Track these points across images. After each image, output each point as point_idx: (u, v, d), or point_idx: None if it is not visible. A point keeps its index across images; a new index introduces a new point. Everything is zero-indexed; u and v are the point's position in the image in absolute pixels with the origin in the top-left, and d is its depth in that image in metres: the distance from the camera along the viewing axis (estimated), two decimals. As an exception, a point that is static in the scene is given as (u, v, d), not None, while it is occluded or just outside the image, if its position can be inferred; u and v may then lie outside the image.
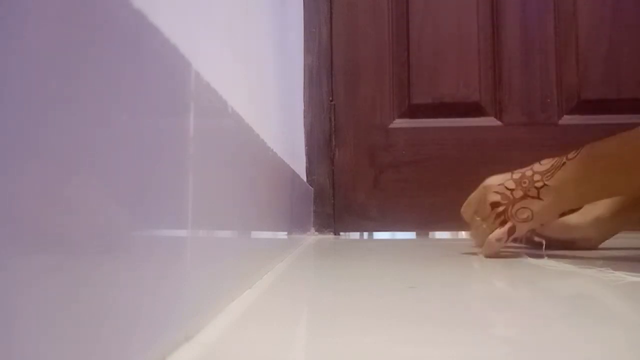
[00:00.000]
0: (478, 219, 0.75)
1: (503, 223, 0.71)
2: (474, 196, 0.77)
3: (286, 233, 0.72)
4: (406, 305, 0.38)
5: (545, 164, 0.70)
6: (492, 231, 0.71)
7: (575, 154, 0.68)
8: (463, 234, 1.32)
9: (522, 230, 0.71)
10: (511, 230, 0.70)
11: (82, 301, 0.17)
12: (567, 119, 1.22)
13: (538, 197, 0.69)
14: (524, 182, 0.71)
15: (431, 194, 1.22)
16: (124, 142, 0.20)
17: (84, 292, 0.17)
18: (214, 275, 0.33)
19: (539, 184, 0.70)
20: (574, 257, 0.69)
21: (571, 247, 0.81)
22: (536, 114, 1.23)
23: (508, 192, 0.72)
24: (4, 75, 0.13)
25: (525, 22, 1.24)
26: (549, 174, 0.69)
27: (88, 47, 0.18)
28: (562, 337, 0.29)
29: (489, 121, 1.24)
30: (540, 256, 0.68)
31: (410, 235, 1.27)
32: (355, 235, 1.28)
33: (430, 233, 1.28)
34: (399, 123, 1.25)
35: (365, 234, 1.30)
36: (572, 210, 0.82)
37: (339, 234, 1.25)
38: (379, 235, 1.28)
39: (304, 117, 1.26)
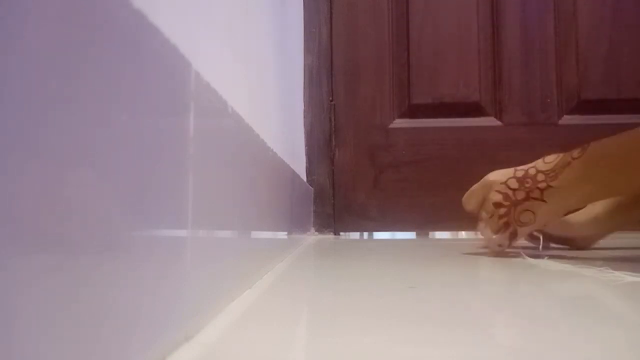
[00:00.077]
0: (484, 213, 0.74)
1: (506, 224, 0.70)
2: (476, 189, 0.75)
3: (286, 233, 0.72)
4: (406, 305, 0.38)
5: (549, 162, 0.68)
6: (495, 229, 0.71)
7: (581, 154, 0.66)
8: (463, 234, 1.32)
9: (524, 233, 0.70)
10: (512, 235, 0.70)
11: (82, 301, 0.17)
12: (567, 119, 1.22)
13: (542, 199, 0.68)
14: (527, 183, 0.69)
15: (431, 194, 1.22)
16: (124, 142, 0.20)
17: (84, 292, 0.17)
18: (214, 275, 0.33)
19: (542, 185, 0.68)
20: (574, 258, 0.69)
21: (568, 243, 0.81)
22: (536, 114, 1.23)
23: (510, 193, 0.70)
24: (4, 75, 0.13)
25: (525, 22, 1.24)
26: (553, 174, 0.67)
27: (88, 47, 0.18)
28: (562, 337, 0.29)
29: (489, 121, 1.24)
30: (541, 256, 0.68)
31: (410, 235, 1.27)
32: (355, 235, 1.28)
33: (430, 233, 1.28)
34: (399, 123, 1.25)
35: (365, 234, 1.30)
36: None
37: (339, 234, 1.25)
38: (379, 235, 1.29)
39: (304, 117, 1.26)
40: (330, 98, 1.27)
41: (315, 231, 1.24)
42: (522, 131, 1.22)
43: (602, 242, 0.84)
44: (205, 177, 0.31)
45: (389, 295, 0.43)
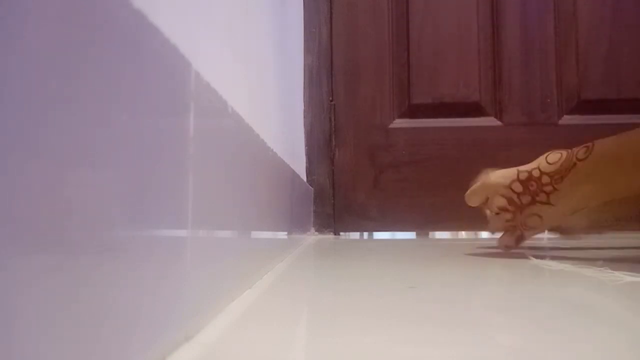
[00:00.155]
0: (488, 212, 0.74)
1: (513, 227, 0.70)
2: (477, 190, 0.73)
3: (286, 233, 0.72)
4: (406, 305, 0.38)
5: (553, 163, 0.67)
6: (501, 230, 0.71)
7: (587, 155, 0.65)
8: (463, 234, 1.32)
9: (531, 236, 0.70)
10: (519, 238, 0.70)
11: (82, 301, 0.17)
12: (567, 119, 1.22)
13: (548, 203, 0.66)
14: (532, 186, 0.67)
15: (431, 194, 1.22)
16: (124, 142, 0.20)
17: (84, 292, 0.17)
18: (214, 275, 0.33)
19: (548, 189, 0.66)
20: (574, 258, 0.69)
21: (556, 232, 0.79)
22: (536, 114, 1.23)
23: (515, 196, 0.68)
24: (4, 75, 0.13)
25: (525, 22, 1.24)
26: (558, 176, 0.66)
27: (88, 47, 0.18)
28: (562, 337, 0.29)
29: (489, 121, 1.24)
30: (541, 256, 0.68)
31: (410, 235, 1.27)
32: (355, 235, 1.28)
33: (430, 233, 1.28)
34: (399, 123, 1.25)
35: (365, 234, 1.30)
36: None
37: (339, 234, 1.25)
38: (379, 235, 1.29)
39: (304, 117, 1.26)
40: (330, 98, 1.27)
41: (315, 231, 1.24)
42: (522, 131, 1.22)
43: (601, 242, 0.83)
44: (205, 177, 0.31)
45: (389, 295, 0.43)
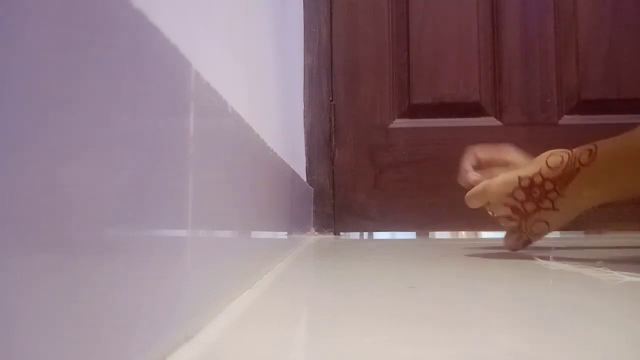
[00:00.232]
0: (491, 213, 0.73)
1: (519, 232, 0.69)
2: (477, 194, 0.71)
3: (286, 233, 0.72)
4: (406, 305, 0.38)
5: (555, 167, 0.65)
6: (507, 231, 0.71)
7: (590, 159, 0.63)
8: (463, 234, 1.32)
9: (538, 239, 0.69)
10: (526, 243, 0.69)
11: (82, 301, 0.17)
12: (567, 119, 1.22)
13: (553, 209, 0.65)
14: (535, 193, 0.66)
15: (431, 194, 1.22)
16: (124, 142, 0.20)
17: (84, 292, 0.17)
18: (214, 275, 0.33)
19: (552, 195, 0.65)
20: (575, 259, 0.69)
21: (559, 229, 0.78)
22: (536, 114, 1.23)
23: (519, 205, 0.67)
24: (4, 75, 0.13)
25: (525, 22, 1.24)
26: (562, 182, 0.64)
27: (88, 47, 0.18)
28: (561, 338, 0.29)
29: (489, 121, 1.24)
30: (542, 257, 0.68)
31: (410, 235, 1.27)
32: (355, 235, 1.28)
33: (430, 233, 1.28)
34: (399, 123, 1.25)
35: (365, 234, 1.30)
36: None
37: (339, 234, 1.25)
38: (379, 235, 1.29)
39: (304, 117, 1.26)
40: (330, 98, 1.27)
41: (315, 231, 1.24)
42: (522, 131, 1.22)
43: (601, 242, 0.83)
44: (205, 177, 0.31)
45: (389, 295, 0.43)
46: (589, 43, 1.22)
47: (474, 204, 0.72)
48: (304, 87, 1.26)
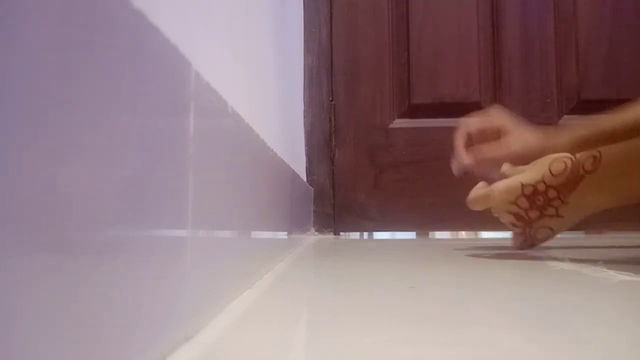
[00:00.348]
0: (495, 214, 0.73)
1: (524, 237, 0.69)
2: (479, 199, 0.70)
3: (286, 233, 0.72)
4: (406, 305, 0.38)
5: (558, 174, 0.64)
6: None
7: (594, 166, 0.63)
8: (463, 234, 1.32)
9: (543, 243, 0.69)
10: (532, 245, 0.69)
11: (82, 301, 0.17)
12: (567, 119, 1.22)
13: (557, 215, 0.65)
14: (538, 200, 0.65)
15: (431, 194, 1.22)
16: (124, 142, 0.20)
17: (84, 292, 0.17)
18: (214, 275, 0.33)
19: (556, 203, 0.64)
20: (575, 259, 0.69)
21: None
22: (536, 114, 1.23)
23: (522, 212, 0.66)
24: (4, 75, 0.13)
25: (525, 22, 1.24)
26: (566, 189, 0.64)
27: (88, 47, 0.18)
28: (562, 337, 0.29)
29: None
30: (543, 257, 0.68)
31: (410, 235, 1.27)
32: (355, 235, 1.28)
33: (430, 233, 1.28)
34: (399, 123, 1.25)
35: (365, 234, 1.30)
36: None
37: (339, 234, 1.25)
38: (379, 235, 1.29)
39: (304, 117, 1.26)
40: (330, 98, 1.27)
41: (315, 231, 1.24)
42: (522, 131, 1.22)
43: (602, 242, 0.83)
44: (205, 177, 0.31)
45: (389, 295, 0.43)
46: (589, 43, 1.22)
47: (476, 207, 0.72)
48: (304, 87, 1.26)
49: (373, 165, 1.25)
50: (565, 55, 1.23)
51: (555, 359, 0.25)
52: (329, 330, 0.31)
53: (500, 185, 0.68)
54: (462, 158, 0.73)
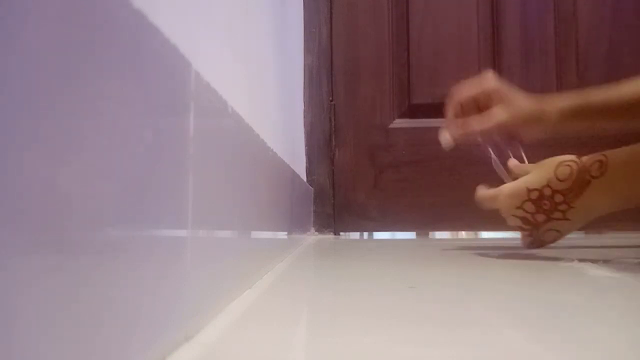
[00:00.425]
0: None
1: (530, 235, 0.69)
2: (489, 201, 0.70)
3: (286, 233, 0.72)
4: (406, 305, 0.38)
5: (564, 179, 0.64)
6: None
7: (601, 171, 0.62)
8: (463, 234, 1.32)
9: (550, 244, 0.69)
10: (540, 246, 0.69)
11: (82, 301, 0.17)
12: (567, 119, 1.22)
13: (564, 219, 0.65)
14: (545, 205, 0.65)
15: (431, 194, 1.22)
16: (124, 142, 0.20)
17: (84, 292, 0.17)
18: (214, 275, 0.33)
19: (563, 207, 0.64)
20: (580, 259, 0.69)
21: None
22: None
23: (529, 216, 0.66)
24: (4, 75, 0.13)
25: (525, 22, 1.24)
26: (572, 194, 0.63)
27: (88, 47, 0.18)
28: (562, 337, 0.29)
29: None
30: (542, 257, 0.68)
31: (410, 235, 1.27)
32: (355, 235, 1.28)
33: (430, 233, 1.28)
34: (399, 123, 1.25)
35: (365, 234, 1.30)
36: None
37: (339, 234, 1.25)
38: (379, 235, 1.29)
39: (304, 117, 1.26)
40: (330, 98, 1.27)
41: (315, 231, 1.24)
42: (522, 131, 1.22)
43: (602, 242, 0.83)
44: (205, 177, 0.31)
45: (389, 295, 0.43)
46: (589, 43, 1.22)
47: (484, 207, 0.71)
48: (304, 87, 1.26)
49: (373, 165, 1.25)
50: (565, 55, 1.23)
51: (555, 359, 0.25)
52: (329, 330, 0.31)
53: (506, 189, 0.68)
54: (451, 130, 0.73)
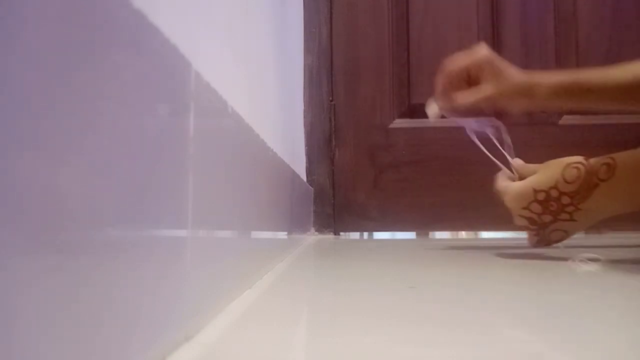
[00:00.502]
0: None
1: (536, 235, 0.69)
2: (499, 192, 0.69)
3: (286, 233, 0.72)
4: (406, 305, 0.38)
5: (572, 181, 0.63)
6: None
7: (609, 174, 0.62)
8: (463, 234, 1.32)
9: (557, 243, 0.69)
10: (547, 245, 0.69)
11: (82, 301, 0.17)
12: (567, 119, 1.22)
13: (571, 220, 0.65)
14: (552, 206, 0.64)
15: (431, 194, 1.22)
16: (124, 142, 0.20)
17: (84, 292, 0.17)
18: (214, 275, 0.33)
19: (570, 209, 0.64)
20: (577, 258, 0.69)
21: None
22: (536, 113, 1.23)
23: (535, 216, 0.66)
24: (4, 75, 0.13)
25: (525, 22, 1.24)
26: (580, 196, 0.63)
27: (88, 47, 0.18)
28: (562, 337, 0.29)
29: (489, 121, 1.24)
30: (542, 257, 0.68)
31: (410, 235, 1.27)
32: (355, 235, 1.28)
33: (430, 233, 1.28)
34: (399, 123, 1.25)
35: (365, 234, 1.30)
36: None
37: (339, 234, 1.25)
38: (379, 235, 1.28)
39: (304, 117, 1.26)
40: (330, 98, 1.27)
41: (315, 231, 1.24)
42: (522, 131, 1.22)
43: (601, 242, 0.83)
44: (205, 177, 0.31)
45: (389, 295, 0.43)
46: (589, 43, 1.22)
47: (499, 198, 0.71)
48: (304, 87, 1.26)
49: (373, 165, 1.25)
50: (565, 55, 1.23)
51: (555, 359, 0.25)
52: (329, 330, 0.31)
53: (512, 190, 0.68)
54: (439, 102, 0.73)
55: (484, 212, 1.09)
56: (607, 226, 1.16)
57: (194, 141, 0.28)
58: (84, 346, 0.17)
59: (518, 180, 0.69)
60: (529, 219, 0.67)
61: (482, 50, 0.73)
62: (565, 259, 0.65)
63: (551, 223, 0.66)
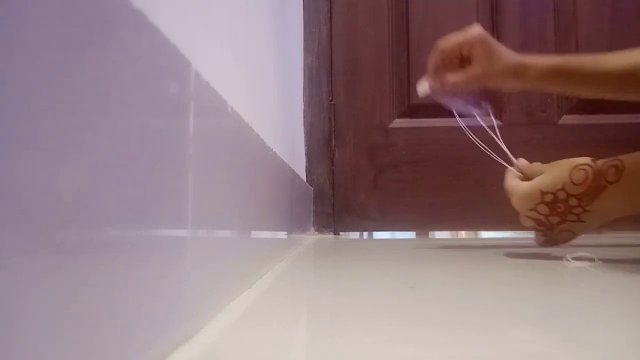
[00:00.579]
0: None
1: (544, 235, 0.69)
2: (507, 190, 0.70)
3: (286, 233, 0.72)
4: (406, 305, 0.38)
5: (580, 183, 0.63)
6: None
7: (617, 176, 0.62)
8: (463, 234, 1.32)
9: (565, 243, 0.69)
10: (553, 245, 0.68)
11: (82, 301, 0.17)
12: (567, 119, 1.22)
13: (579, 221, 0.64)
14: (559, 208, 0.64)
15: (431, 194, 1.22)
16: (124, 142, 0.20)
17: (84, 292, 0.17)
18: (214, 275, 0.33)
19: (578, 210, 0.64)
20: (577, 258, 0.69)
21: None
22: (536, 113, 1.23)
23: (543, 218, 0.66)
24: (4, 75, 0.13)
25: (525, 22, 1.24)
26: (588, 199, 0.63)
27: (88, 47, 0.18)
28: (562, 337, 0.29)
29: (489, 121, 1.24)
30: (542, 257, 0.68)
31: (410, 235, 1.27)
32: (355, 235, 1.28)
33: (430, 233, 1.28)
34: (399, 123, 1.25)
35: (365, 234, 1.30)
36: None
37: (339, 234, 1.25)
38: (379, 235, 1.29)
39: (304, 117, 1.26)
40: (330, 98, 1.27)
41: (315, 231, 1.24)
42: (522, 131, 1.22)
43: (601, 242, 0.83)
44: (205, 177, 0.31)
45: (389, 295, 0.43)
46: (589, 43, 1.22)
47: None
48: (304, 87, 1.26)
49: (373, 165, 1.25)
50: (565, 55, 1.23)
51: (555, 359, 0.25)
52: (329, 330, 0.31)
53: (519, 192, 0.67)
54: (430, 81, 0.74)
55: (484, 212, 1.09)
56: (608, 226, 1.16)
57: (194, 141, 0.28)
58: (84, 346, 0.17)
59: (524, 180, 0.69)
60: (536, 220, 0.67)
61: (476, 30, 0.74)
62: (565, 259, 0.65)
63: (559, 224, 0.66)
